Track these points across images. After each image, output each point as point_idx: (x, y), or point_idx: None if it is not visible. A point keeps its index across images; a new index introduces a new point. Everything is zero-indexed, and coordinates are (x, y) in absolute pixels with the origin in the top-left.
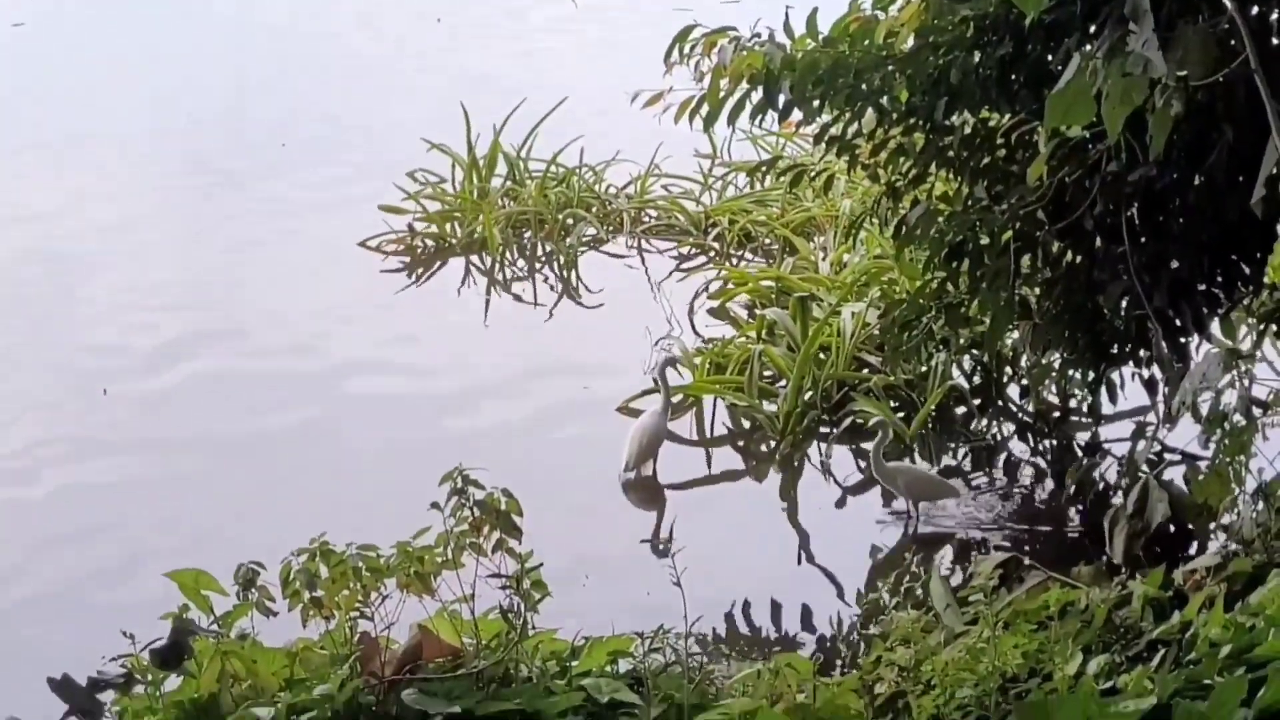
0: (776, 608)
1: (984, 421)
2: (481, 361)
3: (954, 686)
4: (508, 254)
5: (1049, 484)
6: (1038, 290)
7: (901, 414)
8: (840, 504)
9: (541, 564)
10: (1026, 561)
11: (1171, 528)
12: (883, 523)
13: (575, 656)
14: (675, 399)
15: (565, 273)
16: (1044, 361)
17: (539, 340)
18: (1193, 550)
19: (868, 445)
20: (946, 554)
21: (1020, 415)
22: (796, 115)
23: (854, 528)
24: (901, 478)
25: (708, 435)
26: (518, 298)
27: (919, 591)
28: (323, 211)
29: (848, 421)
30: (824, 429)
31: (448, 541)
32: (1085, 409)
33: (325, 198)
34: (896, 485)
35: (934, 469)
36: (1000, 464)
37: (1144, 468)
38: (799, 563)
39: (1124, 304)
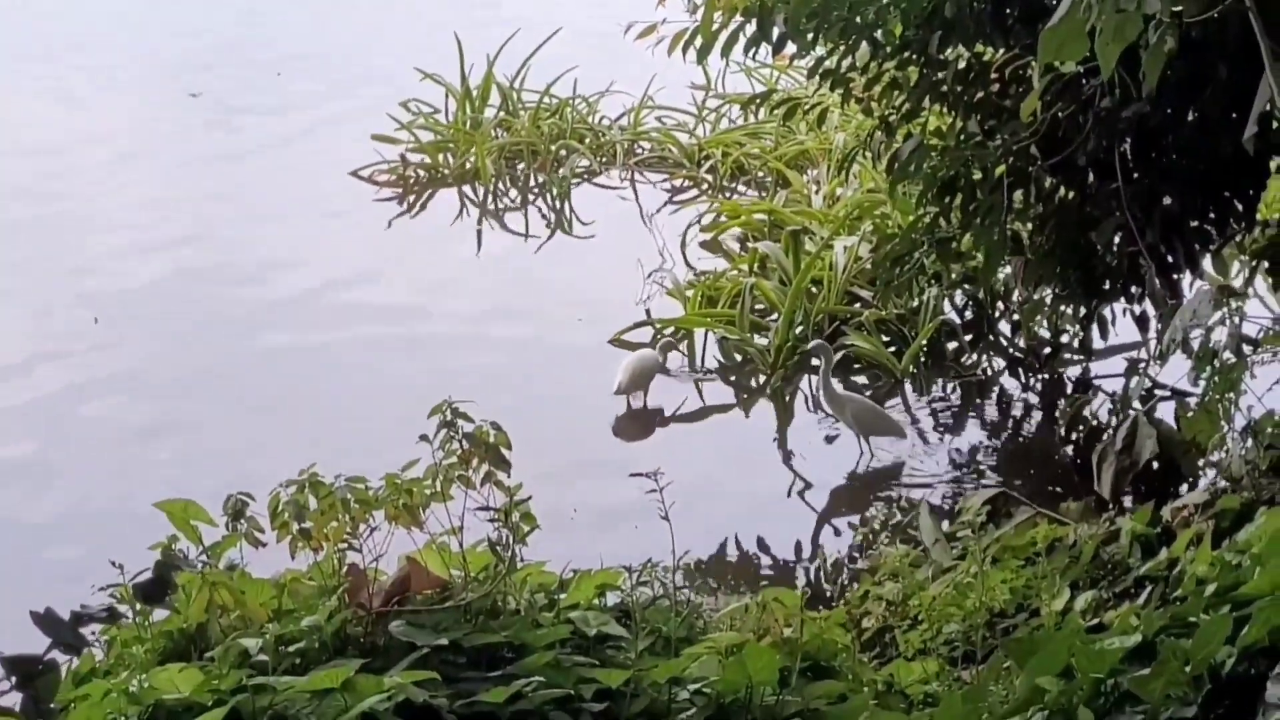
0: (764, 542)
1: (975, 356)
2: (473, 292)
3: (941, 621)
4: (500, 185)
5: (1037, 420)
6: (1030, 226)
7: (893, 348)
8: (830, 439)
9: (530, 497)
10: (1015, 497)
11: (1159, 465)
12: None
13: (563, 590)
14: (668, 331)
15: (558, 204)
16: (1036, 297)
17: (532, 272)
18: (1182, 488)
19: (860, 380)
20: (933, 487)
21: (1011, 351)
22: (791, 48)
23: (844, 462)
24: (849, 407)
25: (699, 368)
26: (510, 229)
27: (910, 529)
28: (315, 141)
29: (839, 355)
30: (814, 362)
31: (436, 474)
32: (1076, 345)
33: (319, 128)
34: (844, 415)
35: (922, 401)
36: (991, 398)
37: (1135, 404)
38: (788, 495)
39: (1116, 240)
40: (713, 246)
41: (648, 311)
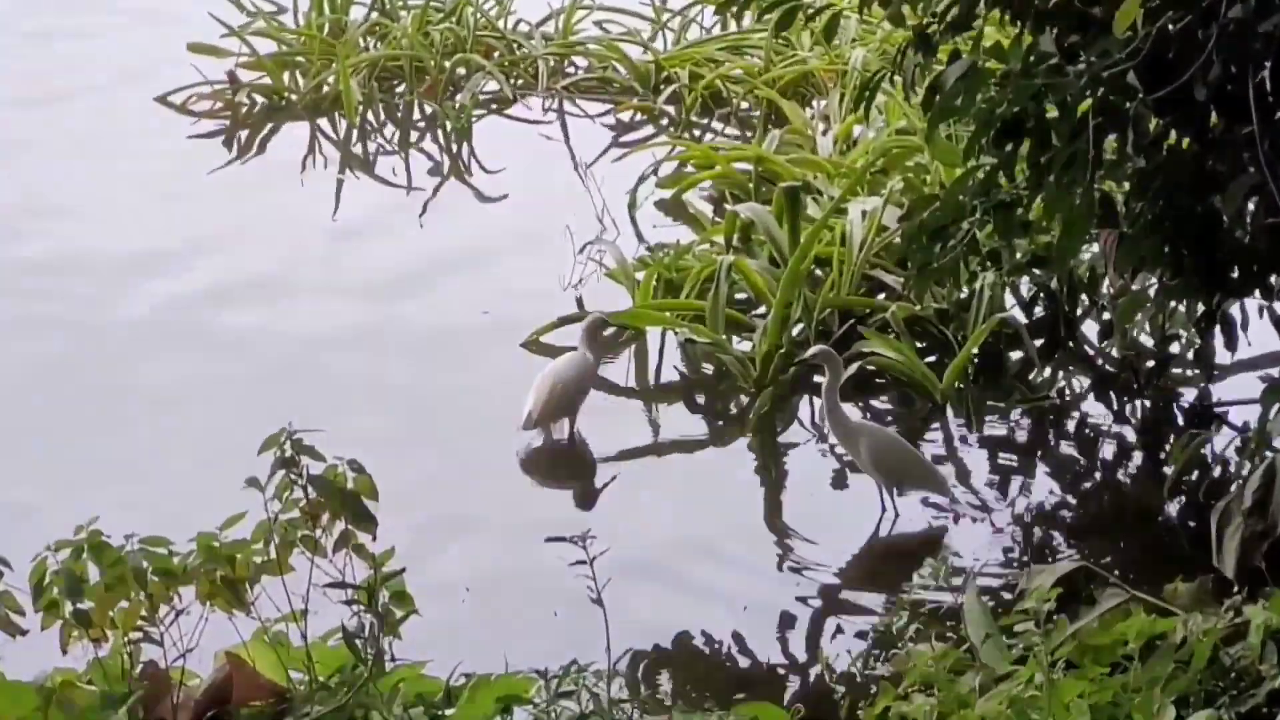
0: (741, 636)
1: (1048, 372)
2: (328, 274)
3: None
4: (372, 118)
5: (1136, 464)
6: (1126, 186)
7: (931, 359)
8: (840, 483)
9: (404, 569)
10: (1101, 574)
11: None
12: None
13: (450, 702)
14: (608, 331)
15: (454, 146)
16: (1135, 288)
17: (415, 243)
18: None
19: (883, 404)
20: (986, 559)
21: (1099, 364)
22: None
23: (860, 523)
24: (867, 444)
25: (652, 385)
26: (385, 180)
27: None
28: (108, 57)
29: (854, 368)
30: (819, 378)
31: (270, 535)
32: (1191, 357)
33: (112, 35)
34: (857, 451)
35: (971, 435)
36: (1069, 433)
37: (1277, 443)
38: (779, 569)
39: (1250, 207)
40: (675, 209)
41: (579, 302)
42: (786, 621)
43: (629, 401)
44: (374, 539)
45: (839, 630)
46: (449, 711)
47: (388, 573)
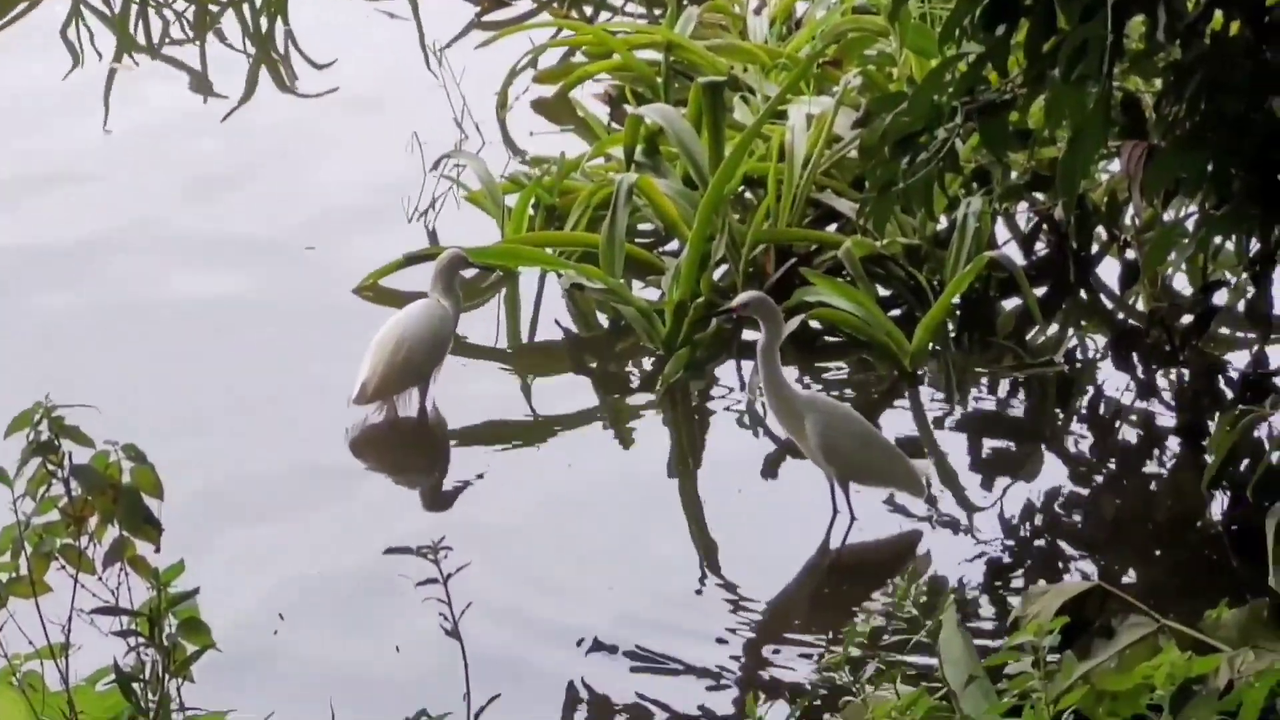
0: (648, 672)
1: (1052, 329)
2: (108, 195)
3: None
4: None
5: (1168, 451)
6: (1157, 85)
7: (898, 311)
8: (770, 471)
9: (198, 589)
10: (1120, 597)
11: None
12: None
13: None
14: (470, 273)
15: (264, 27)
16: (1166, 218)
17: (214, 158)
18: None
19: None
20: (970, 576)
21: (1120, 319)
22: None
23: (806, 529)
24: (813, 421)
25: (528, 343)
26: (176, 81)
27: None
28: None
29: (795, 324)
30: (750, 335)
31: (19, 543)
32: (1242, 309)
33: None
34: (801, 433)
35: (952, 413)
36: (1080, 408)
37: None
38: (699, 590)
39: None
40: (557, 110)
41: (431, 234)
42: (706, 660)
43: (497, 366)
44: (157, 550)
45: (775, 673)
46: None
47: (176, 594)
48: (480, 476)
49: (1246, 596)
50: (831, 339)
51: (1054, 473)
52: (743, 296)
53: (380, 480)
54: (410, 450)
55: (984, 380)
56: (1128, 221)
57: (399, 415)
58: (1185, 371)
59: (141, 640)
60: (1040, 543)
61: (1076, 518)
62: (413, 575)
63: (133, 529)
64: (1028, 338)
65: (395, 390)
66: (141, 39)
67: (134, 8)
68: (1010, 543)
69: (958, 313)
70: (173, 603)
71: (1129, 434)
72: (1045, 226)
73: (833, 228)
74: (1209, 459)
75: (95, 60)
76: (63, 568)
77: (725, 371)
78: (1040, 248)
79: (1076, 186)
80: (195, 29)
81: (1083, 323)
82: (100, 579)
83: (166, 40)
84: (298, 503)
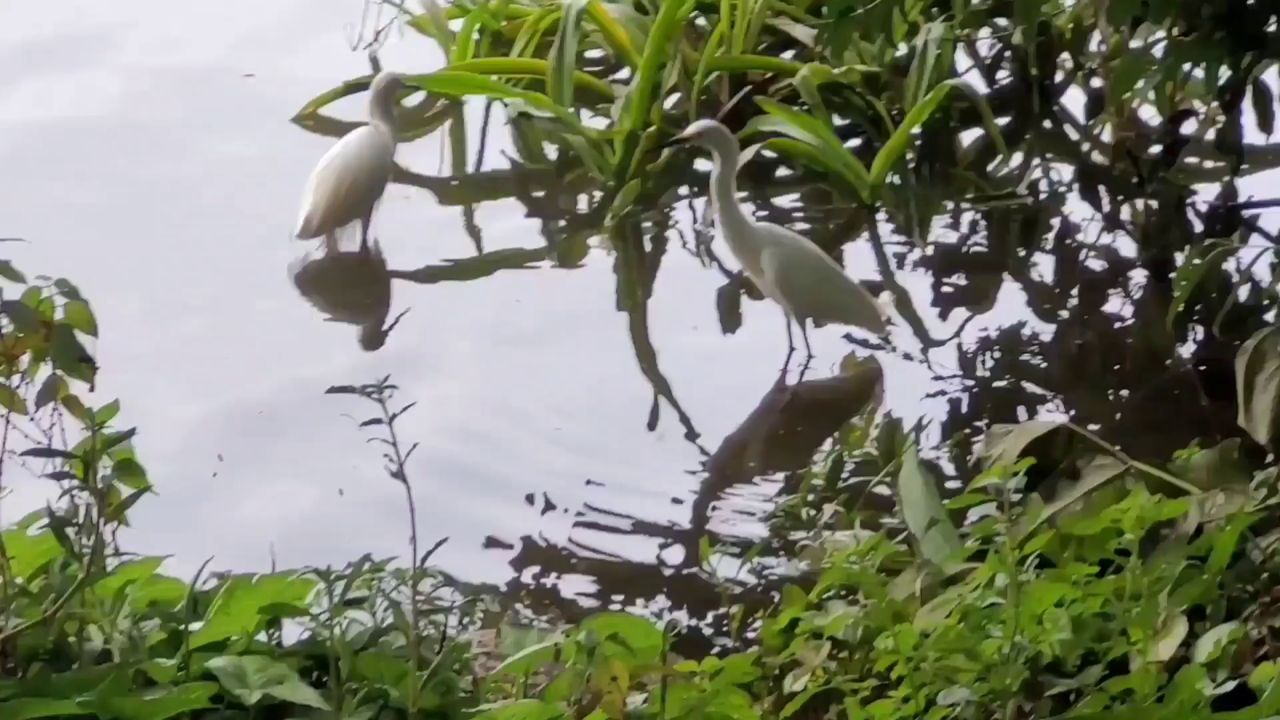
0: (597, 518)
1: (1015, 160)
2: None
3: (934, 685)
4: None
5: (1135, 286)
6: None
7: (857, 141)
8: (733, 311)
9: (134, 430)
10: (1086, 437)
11: None
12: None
13: (198, 612)
14: (415, 100)
15: None
16: (1133, 44)
17: None
18: None
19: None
20: (930, 415)
21: (1086, 150)
22: None
23: (761, 368)
24: (770, 255)
25: (473, 174)
26: None
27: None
28: None
29: (750, 152)
30: (703, 165)
31: None
32: (1213, 140)
33: None
34: (757, 267)
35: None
36: (1045, 243)
37: None
38: (650, 429)
39: None
40: None
41: (374, 62)
42: (658, 506)
43: (440, 199)
44: (92, 389)
45: (729, 517)
46: (195, 625)
47: (111, 435)
48: (409, 311)
49: (1217, 437)
50: (787, 170)
51: (1017, 309)
52: (696, 125)
53: (320, 316)
54: (353, 285)
55: (945, 213)
56: (1093, 49)
57: (340, 250)
58: (1153, 204)
59: (75, 483)
60: (1003, 381)
61: (1040, 357)
62: (356, 415)
63: (67, 368)
64: (990, 169)
65: (340, 223)
66: None
67: None
68: (971, 382)
69: (918, 143)
70: (108, 444)
71: (1094, 268)
72: (1008, 54)
73: (789, 55)
74: (1177, 298)
75: None
76: None
77: (679, 208)
78: (1003, 76)
79: (1036, 13)
80: None
81: (1047, 155)
82: (33, 419)
83: None
84: (236, 338)
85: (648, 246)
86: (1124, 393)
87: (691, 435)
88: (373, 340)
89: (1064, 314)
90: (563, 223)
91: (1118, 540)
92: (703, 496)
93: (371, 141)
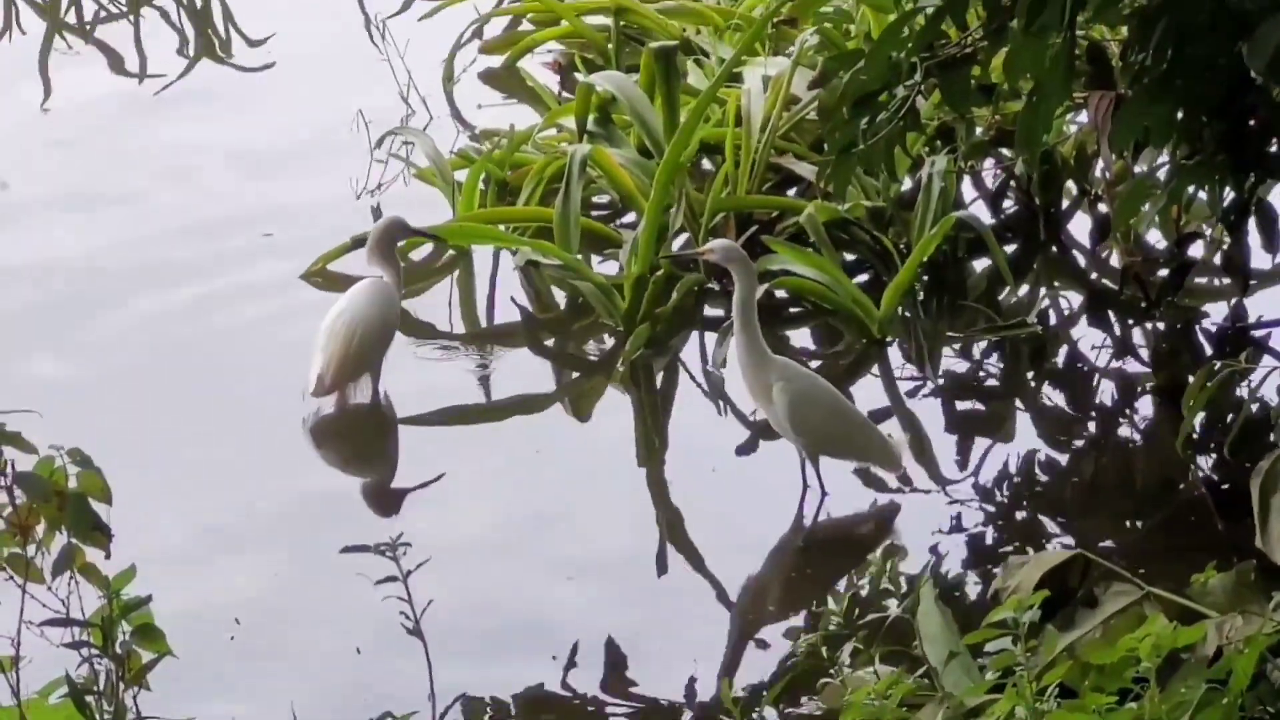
0: (619, 659)
1: (1023, 289)
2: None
3: None
4: None
5: (1147, 411)
6: (1124, 31)
7: (865, 276)
8: (748, 448)
9: (150, 596)
10: (1103, 565)
11: None
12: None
13: None
14: (422, 252)
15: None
16: (1138, 170)
17: (155, 138)
18: None
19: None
20: (949, 549)
21: (1093, 276)
22: None
23: (777, 507)
24: (781, 389)
25: (482, 325)
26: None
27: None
28: None
29: (759, 292)
30: (712, 309)
31: None
32: (1219, 262)
33: None
34: (768, 399)
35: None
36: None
37: None
38: (666, 574)
39: None
40: (507, 82)
41: (378, 213)
42: (678, 647)
43: (451, 352)
44: (108, 556)
45: (750, 653)
46: None
47: (128, 601)
48: (441, 476)
49: (1233, 559)
50: (797, 308)
51: (1031, 437)
52: (713, 243)
53: (334, 472)
54: (366, 439)
55: (956, 345)
56: (1098, 175)
57: (350, 403)
58: (1162, 327)
59: (94, 651)
60: (1019, 510)
61: (1056, 483)
62: (372, 573)
63: (81, 536)
64: (999, 299)
65: (352, 378)
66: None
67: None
68: (988, 510)
69: (925, 276)
70: (125, 610)
71: (1106, 396)
72: (1013, 184)
73: (794, 193)
74: (1189, 420)
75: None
76: (10, 578)
77: (690, 349)
78: (1009, 205)
79: (1038, 142)
80: (130, 6)
81: (1055, 282)
82: (50, 588)
83: (98, 19)
84: (250, 500)
85: (661, 390)
86: (1140, 517)
87: (709, 576)
88: (391, 506)
89: (1078, 443)
90: (575, 374)
91: (1136, 667)
92: (736, 642)
93: (377, 292)
